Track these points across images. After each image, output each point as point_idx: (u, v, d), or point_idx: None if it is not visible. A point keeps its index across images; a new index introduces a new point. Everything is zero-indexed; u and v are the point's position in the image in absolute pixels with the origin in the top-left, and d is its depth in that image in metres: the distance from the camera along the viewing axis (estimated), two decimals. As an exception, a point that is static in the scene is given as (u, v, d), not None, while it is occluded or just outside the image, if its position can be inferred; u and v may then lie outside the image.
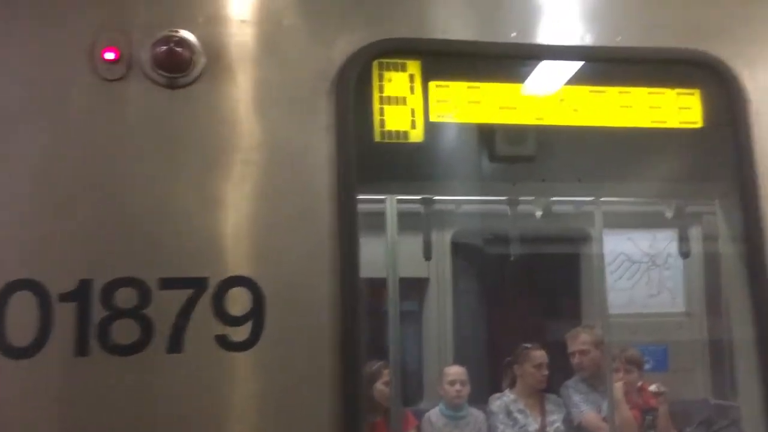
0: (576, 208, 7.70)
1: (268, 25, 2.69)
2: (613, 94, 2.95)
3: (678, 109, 2.97)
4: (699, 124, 2.99)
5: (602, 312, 7.13)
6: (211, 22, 2.64)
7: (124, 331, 2.43)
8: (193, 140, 2.58)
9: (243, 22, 2.67)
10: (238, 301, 2.50)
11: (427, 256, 6.73)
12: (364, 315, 2.56)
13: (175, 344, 2.44)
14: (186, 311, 2.46)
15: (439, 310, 7.55)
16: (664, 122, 2.97)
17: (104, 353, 2.41)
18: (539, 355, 6.83)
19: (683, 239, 6.07)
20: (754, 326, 2.78)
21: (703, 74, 2.96)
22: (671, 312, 7.79)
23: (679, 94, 2.98)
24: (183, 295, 2.47)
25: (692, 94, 2.99)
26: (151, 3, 2.63)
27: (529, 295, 8.40)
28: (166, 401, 2.44)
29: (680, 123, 2.97)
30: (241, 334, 2.49)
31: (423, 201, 6.72)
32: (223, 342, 2.48)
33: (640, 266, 7.91)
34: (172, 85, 2.58)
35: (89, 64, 2.55)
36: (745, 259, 2.83)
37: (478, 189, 3.66)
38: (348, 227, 2.59)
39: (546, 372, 6.79)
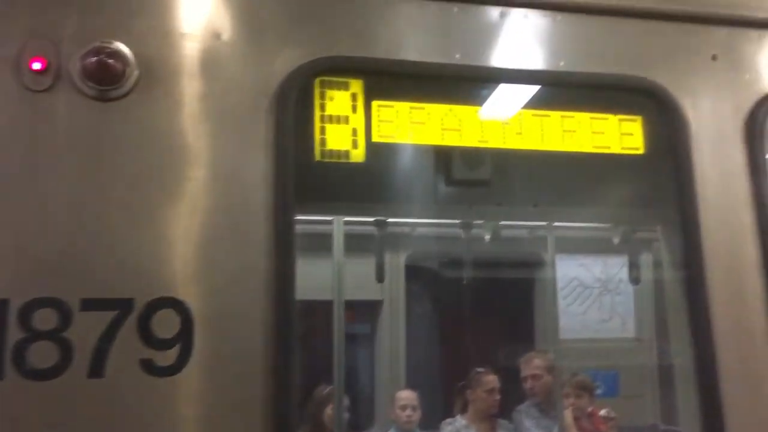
0: (530, 233, 7.76)
1: (207, 39, 2.61)
2: (556, 118, 2.94)
3: (620, 135, 2.97)
4: (641, 151, 2.99)
5: (554, 337, 7.17)
6: (147, 35, 2.56)
7: (42, 355, 2.29)
8: (124, 155, 2.48)
9: (181, 35, 2.60)
10: (166, 324, 2.39)
11: (380, 278, 6.70)
12: (298, 339, 2.48)
13: (97, 369, 2.32)
14: (109, 334, 2.35)
15: (392, 333, 7.48)
16: (607, 147, 2.96)
17: (20, 377, 2.27)
18: (491, 379, 6.80)
19: (633, 265, 6.13)
20: (693, 353, 2.77)
21: (646, 101, 2.97)
22: (622, 337, 7.84)
23: (621, 120, 2.98)
24: (106, 316, 2.36)
25: (635, 120, 3.00)
26: (84, 13, 2.53)
27: (482, 319, 8.38)
28: (85, 429, 2.31)
29: (622, 149, 2.97)
30: (167, 358, 2.38)
31: (376, 223, 6.70)
32: (148, 366, 2.36)
33: (592, 291, 7.96)
34: (102, 98, 2.48)
35: (15, 73, 2.44)
36: (685, 285, 2.83)
37: (424, 211, 3.62)
38: (284, 247, 2.51)
39: (498, 397, 6.76)
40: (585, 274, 8.00)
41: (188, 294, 2.42)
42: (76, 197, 2.44)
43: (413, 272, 7.73)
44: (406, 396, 6.61)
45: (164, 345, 2.39)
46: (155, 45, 2.56)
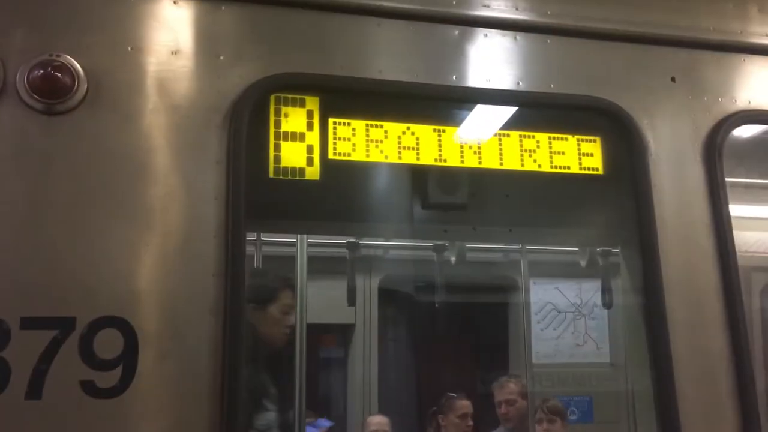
0: (504, 257, 7.75)
1: (159, 53, 2.57)
2: (515, 138, 2.92)
3: (579, 155, 2.96)
4: (600, 171, 2.98)
5: (528, 361, 7.12)
6: (97, 49, 2.51)
7: (-23, 375, 2.21)
8: (69, 169, 2.42)
9: (132, 49, 2.55)
10: (108, 344, 2.31)
11: (351, 301, 6.63)
12: (246, 361, 2.41)
13: (35, 390, 2.23)
14: (48, 354, 2.27)
15: (365, 357, 7.40)
16: (567, 168, 2.95)
17: (-47, 398, 2.19)
18: (464, 404, 6.75)
19: (606, 290, 6.12)
20: (652, 377, 2.73)
21: (605, 122, 2.96)
22: (596, 362, 7.81)
23: (580, 140, 2.97)
24: (46, 336, 2.28)
25: (594, 141, 2.99)
26: (32, 26, 2.48)
27: (456, 343, 8.34)
28: (21, 452, 2.22)
29: (581, 169, 2.95)
30: (109, 379, 2.30)
31: (348, 245, 6.65)
32: (89, 388, 2.28)
33: (566, 316, 7.95)
34: (49, 111, 2.43)
35: (-41, 86, 2.38)
36: (644, 308, 2.80)
37: (379, 231, 3.58)
38: (235, 266, 2.45)
39: (471, 423, 6.69)
40: (559, 298, 7.99)
41: (133, 313, 2.35)
42: (19, 212, 2.37)
43: (386, 296, 7.69)
44: (378, 421, 6.52)
45: (106, 365, 2.31)
46: (105, 59, 2.51)
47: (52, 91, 2.41)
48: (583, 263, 4.68)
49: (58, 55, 2.45)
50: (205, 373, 2.37)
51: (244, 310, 2.43)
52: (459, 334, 8.33)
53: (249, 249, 6.09)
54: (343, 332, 7.62)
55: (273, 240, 5.73)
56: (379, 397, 7.41)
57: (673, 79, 3.04)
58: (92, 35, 2.52)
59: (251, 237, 6.19)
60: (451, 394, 6.84)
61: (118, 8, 2.57)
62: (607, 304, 6.16)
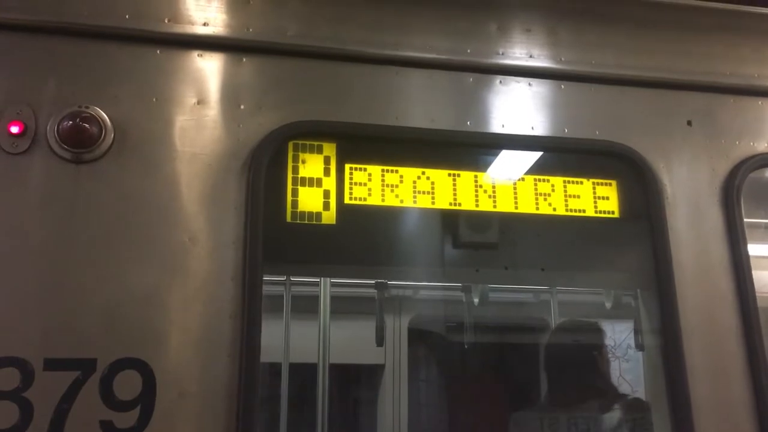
0: (536, 298, 7.68)
1: (180, 103, 2.68)
2: (530, 181, 2.95)
3: (595, 198, 2.97)
4: (616, 215, 2.98)
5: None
6: (122, 100, 2.64)
7: (2, 415, 2.29)
8: (96, 216, 2.53)
9: (156, 99, 2.67)
10: (128, 385, 2.38)
11: (379, 342, 6.64)
12: (260, 403, 2.45)
13: (56, 429, 2.31)
14: (70, 394, 2.34)
15: (394, 397, 7.35)
16: (582, 211, 2.96)
17: (-23, 438, 2.27)
18: (496, 447, 6.64)
19: (638, 331, 6.01)
20: (671, 424, 2.69)
21: (621, 165, 2.97)
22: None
23: (596, 183, 2.98)
24: (69, 377, 2.36)
25: (609, 184, 3.00)
26: (62, 78, 2.63)
27: (488, 384, 8.23)
28: (42, 491, 2.29)
29: (597, 212, 2.96)
30: (128, 420, 2.36)
31: (377, 285, 6.69)
32: (109, 428, 2.34)
33: (600, 357, 7.78)
34: (77, 160, 2.55)
35: (-7, 136, 2.52)
36: (662, 352, 2.77)
37: (395, 274, 3.61)
38: (251, 309, 2.51)
39: (503, 465, 6.58)
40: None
41: (151, 355, 2.42)
42: (46, 256, 2.47)
43: (416, 336, 7.66)
44: None
45: (125, 406, 2.37)
46: (131, 110, 2.63)
47: (80, 141, 2.54)
48: (608, 305, 4.63)
49: (86, 107, 2.58)
50: (221, 414, 2.42)
51: (259, 351, 2.47)
52: (490, 375, 8.22)
53: (278, 289, 6.22)
54: (372, 373, 7.59)
55: (301, 281, 5.80)
56: (410, 436, 7.33)
57: (689, 123, 3.05)
58: (119, 87, 2.65)
59: (281, 278, 6.29)
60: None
61: (144, 61, 2.70)
62: (641, 346, 6.05)
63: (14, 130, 2.52)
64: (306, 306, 6.02)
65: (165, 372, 2.42)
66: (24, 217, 2.49)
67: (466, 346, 6.98)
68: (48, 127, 2.54)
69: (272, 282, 6.26)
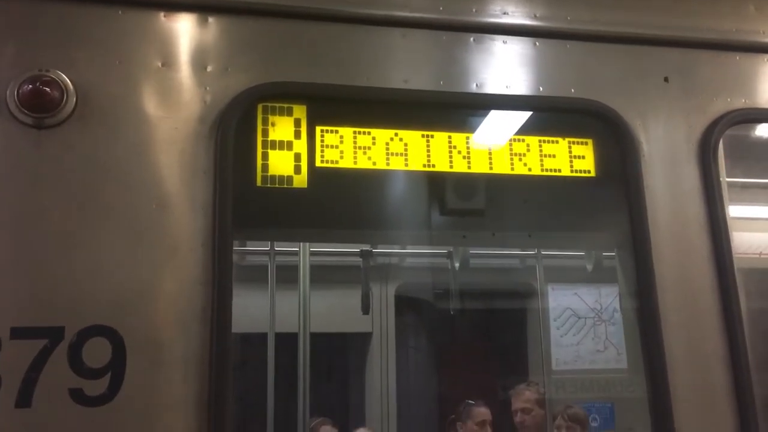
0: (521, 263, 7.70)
1: (145, 66, 2.62)
2: (505, 142, 2.90)
3: (571, 158, 2.93)
4: (592, 173, 2.95)
5: (546, 368, 7.05)
6: (84, 62, 2.57)
7: (-31, 384, 2.27)
8: (59, 182, 2.47)
9: (119, 62, 2.60)
10: (97, 353, 2.35)
11: (365, 309, 6.66)
12: (233, 370, 2.42)
13: (25, 398, 2.28)
14: (38, 363, 2.31)
15: (382, 365, 7.40)
16: (558, 171, 2.92)
17: (-56, 408, 2.24)
18: (482, 412, 6.70)
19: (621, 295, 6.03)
20: (646, 380, 2.69)
21: (596, 124, 2.93)
22: (617, 368, 7.68)
23: (571, 143, 2.94)
24: (36, 345, 2.32)
25: (585, 143, 2.96)
26: (21, 41, 2.55)
27: (475, 349, 8.28)
28: (12, 459, 2.27)
29: (573, 172, 2.92)
30: (98, 387, 2.33)
31: (362, 254, 6.68)
32: (78, 396, 2.32)
33: (586, 321, 7.83)
34: (38, 125, 2.49)
35: (-49, 103, 2.45)
36: (638, 311, 2.76)
37: (372, 237, 3.58)
38: (222, 275, 2.47)
39: (489, 430, 6.64)
40: (579, 303, 7.89)
41: (121, 322, 2.39)
42: (9, 224, 2.42)
43: (403, 303, 7.68)
44: None
45: (95, 374, 2.34)
46: (93, 73, 2.56)
47: (41, 106, 2.47)
48: (589, 267, 4.63)
49: (47, 70, 2.51)
50: (192, 381, 2.39)
51: (230, 317, 2.44)
52: (477, 341, 8.28)
53: (263, 259, 6.20)
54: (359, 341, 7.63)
55: (285, 249, 5.79)
56: (398, 404, 7.39)
57: (666, 80, 3.01)
58: (81, 49, 2.58)
59: (265, 248, 6.28)
60: (470, 401, 6.80)
61: (106, 22, 2.63)
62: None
63: (-28, 95, 2.45)
64: (293, 276, 6.01)
65: (135, 339, 2.38)
66: (-14, 185, 2.44)
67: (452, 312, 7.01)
68: (8, 92, 2.47)
69: (257, 252, 6.24)
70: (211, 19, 2.72)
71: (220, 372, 2.39)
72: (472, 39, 2.92)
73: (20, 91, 2.47)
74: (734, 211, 2.97)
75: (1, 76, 2.50)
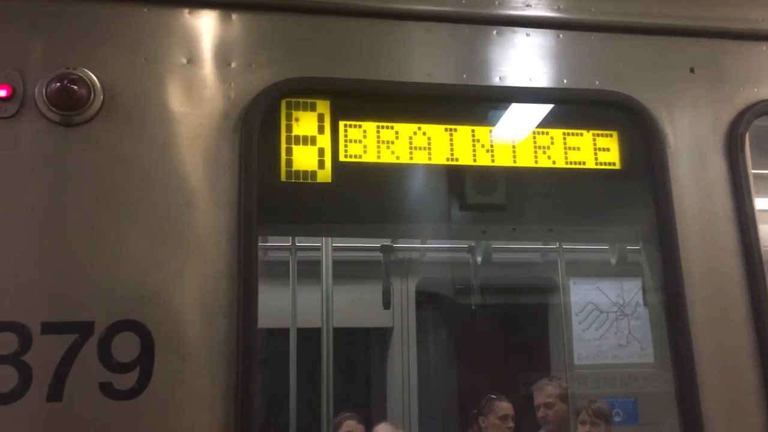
0: (543, 258, 7.66)
1: (170, 63, 2.63)
2: (528, 135, 2.89)
3: (596, 150, 2.91)
4: (617, 166, 2.93)
5: (569, 363, 7.02)
6: (111, 60, 2.59)
7: (1, 379, 2.29)
8: (87, 179, 2.50)
9: (145, 60, 2.63)
10: (126, 347, 2.38)
11: (386, 305, 6.66)
12: (258, 363, 2.44)
13: (56, 392, 2.31)
14: (68, 357, 2.34)
15: (403, 360, 7.40)
16: (583, 163, 2.90)
17: (-22, 401, 2.28)
18: (505, 406, 6.69)
19: (646, 288, 5.98)
20: (674, 375, 2.67)
21: (621, 116, 2.91)
22: (641, 363, 7.63)
23: (596, 135, 2.92)
24: (66, 340, 2.36)
25: (610, 135, 2.94)
26: (49, 40, 2.58)
27: (496, 344, 8.26)
28: (44, 453, 2.30)
29: (597, 164, 2.90)
30: (127, 381, 2.36)
31: (382, 249, 6.69)
32: (108, 390, 2.35)
33: (608, 316, 7.78)
34: (67, 123, 2.52)
35: (-19, 101, 2.49)
36: (665, 304, 2.74)
37: (394, 232, 3.58)
38: (247, 269, 2.49)
39: (511, 424, 6.62)
40: (601, 298, 7.83)
41: (148, 317, 2.41)
42: (39, 220, 2.46)
43: (424, 298, 7.68)
44: (384, 430, 6.48)
45: (124, 368, 2.37)
46: (120, 70, 2.59)
47: (69, 104, 2.50)
48: (613, 261, 4.59)
49: (74, 68, 2.54)
50: (219, 374, 2.41)
51: (256, 311, 2.46)
52: (498, 336, 8.25)
53: (284, 255, 6.22)
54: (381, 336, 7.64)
55: (305, 245, 5.81)
56: (419, 399, 7.39)
57: (692, 70, 2.98)
58: (107, 47, 2.61)
59: (286, 243, 6.30)
60: (492, 395, 6.79)
61: (131, 20, 2.65)
62: (648, 303, 6.02)
63: (2, 93, 2.49)
64: (314, 271, 6.02)
65: (163, 334, 2.41)
66: (16, 182, 2.47)
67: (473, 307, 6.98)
68: (36, 90, 2.51)
69: (278, 248, 6.26)
70: (234, 16, 2.73)
71: (247, 366, 2.41)
72: (494, 32, 2.91)
73: (48, 89, 2.50)
74: (760, 203, 2.93)
75: (30, 74, 2.53)
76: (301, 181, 2.72)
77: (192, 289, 2.48)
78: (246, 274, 2.48)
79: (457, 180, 2.92)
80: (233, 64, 2.68)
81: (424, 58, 2.84)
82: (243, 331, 2.43)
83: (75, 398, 2.32)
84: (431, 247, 7.23)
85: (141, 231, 2.50)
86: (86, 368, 2.35)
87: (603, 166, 2.90)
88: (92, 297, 2.41)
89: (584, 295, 7.73)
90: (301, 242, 6.28)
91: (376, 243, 6.62)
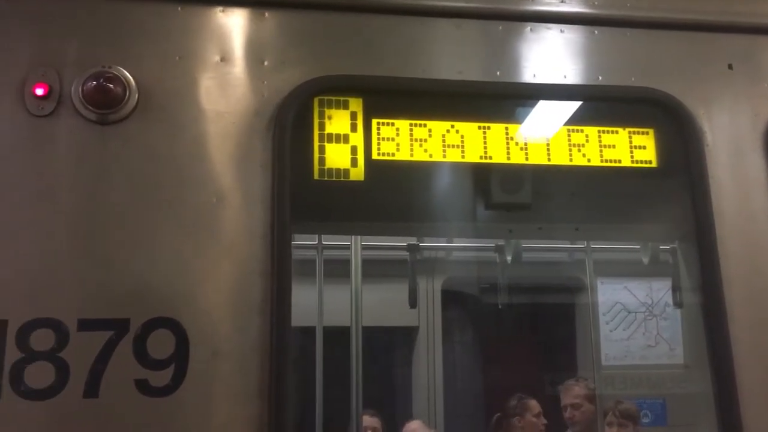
0: (570, 257, 7.58)
1: (204, 61, 2.64)
2: (563, 132, 2.86)
3: (632, 148, 2.87)
4: (653, 164, 2.88)
5: (596, 363, 6.95)
6: (146, 59, 2.61)
7: (39, 375, 2.32)
8: (123, 177, 2.52)
9: (179, 58, 2.64)
10: (161, 344, 2.39)
11: (413, 304, 6.63)
12: (292, 361, 2.44)
13: (92, 389, 2.33)
14: (105, 354, 2.36)
15: (429, 359, 7.37)
16: (618, 161, 2.86)
17: (16, 397, 2.30)
18: (535, 404, 6.65)
19: (677, 288, 5.89)
20: (712, 377, 2.62)
21: (658, 113, 2.86)
22: (670, 364, 7.53)
23: (632, 133, 2.88)
24: (103, 336, 2.37)
25: (646, 133, 2.90)
26: (85, 39, 2.60)
27: (523, 344, 8.21)
28: (80, 448, 2.32)
29: (633, 162, 2.86)
30: (162, 378, 2.37)
31: (409, 248, 6.66)
32: (144, 386, 2.36)
33: (636, 316, 7.69)
34: (102, 121, 2.53)
35: (19, 99, 2.51)
36: (702, 304, 2.69)
37: (426, 230, 3.56)
38: (281, 267, 2.49)
39: (545, 420, 6.59)
40: (629, 297, 7.75)
41: (183, 314, 2.42)
42: (76, 219, 2.48)
43: (450, 297, 7.64)
44: (413, 429, 6.46)
45: (160, 365, 2.39)
46: (154, 69, 2.60)
47: (105, 102, 2.52)
48: (645, 260, 4.53)
49: (110, 67, 2.56)
50: (253, 371, 2.42)
51: (289, 309, 2.46)
52: (524, 336, 8.20)
53: (311, 253, 6.23)
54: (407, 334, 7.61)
55: (333, 244, 5.80)
56: (445, 398, 7.36)
57: (730, 67, 2.92)
58: (142, 46, 2.62)
59: (312, 242, 6.30)
60: (521, 395, 6.76)
61: (166, 18, 2.67)
62: (679, 304, 5.94)
63: (39, 92, 2.51)
64: (339, 270, 6.01)
65: (197, 331, 2.42)
66: (52, 180, 2.50)
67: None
68: (72, 89, 2.53)
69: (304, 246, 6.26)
70: (267, 14, 2.73)
71: (280, 363, 2.41)
72: (528, 29, 2.88)
73: (84, 88, 2.52)
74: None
75: (66, 72, 2.55)
76: (334, 179, 2.71)
77: (226, 287, 2.49)
78: (279, 272, 2.48)
79: (483, 179, 2.90)
80: (266, 62, 2.68)
81: (455, 56, 2.82)
82: (276, 328, 2.43)
83: (111, 395, 2.34)
84: (457, 246, 7.19)
85: (175, 229, 2.51)
86: (122, 365, 2.36)
87: (639, 164, 2.86)
88: (127, 294, 2.42)
89: (612, 295, 7.65)
90: (327, 240, 6.27)
91: (402, 242, 6.60)
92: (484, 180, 2.95)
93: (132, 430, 2.35)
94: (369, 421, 5.98)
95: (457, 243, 7.08)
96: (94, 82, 2.51)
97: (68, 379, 2.33)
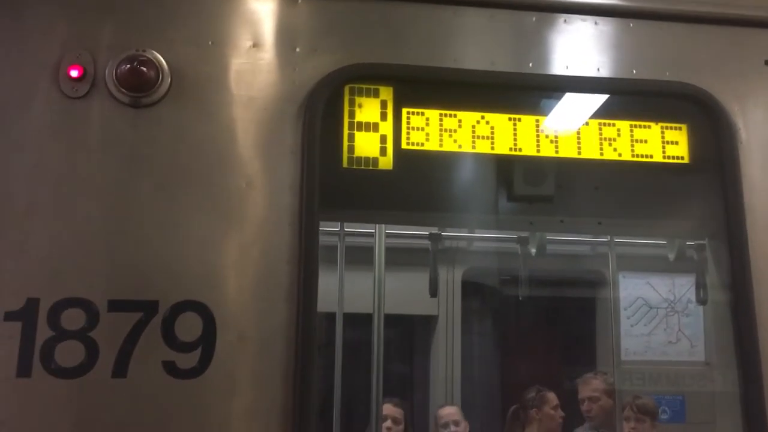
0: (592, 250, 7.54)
1: (236, 46, 2.65)
2: (594, 126, 2.83)
3: (663, 143, 2.84)
4: (686, 160, 2.85)
5: (616, 358, 6.91)
6: (179, 43, 2.62)
7: (69, 353, 2.35)
8: (154, 160, 2.54)
9: (212, 43, 2.64)
10: (189, 327, 2.42)
11: (433, 293, 6.63)
12: (317, 346, 2.46)
13: (121, 369, 2.36)
14: (134, 335, 2.39)
15: (447, 349, 7.38)
16: (650, 156, 2.83)
17: (47, 375, 2.34)
18: (553, 396, 6.65)
19: (700, 285, 5.83)
20: (739, 378, 2.60)
21: (691, 108, 2.83)
22: (690, 361, 7.47)
23: (665, 128, 2.85)
24: (132, 318, 2.40)
25: (679, 128, 2.86)
26: (119, 23, 2.62)
27: (542, 337, 8.20)
28: (107, 426, 2.35)
29: (665, 158, 2.83)
30: (189, 360, 2.40)
31: (430, 237, 6.65)
32: (171, 368, 2.39)
33: (658, 312, 7.63)
34: (135, 104, 2.55)
35: (53, 81, 2.54)
36: (731, 303, 2.66)
37: (455, 221, 3.55)
38: (308, 254, 2.50)
39: (562, 413, 6.59)
40: (651, 293, 7.69)
41: (211, 298, 2.45)
42: (108, 200, 2.50)
43: (470, 288, 7.64)
44: (448, 412, 6.47)
45: (187, 347, 2.41)
46: (187, 53, 2.61)
47: (138, 85, 2.53)
48: (671, 256, 4.48)
49: (144, 50, 2.57)
50: (279, 356, 2.44)
51: (316, 295, 2.47)
52: (544, 329, 8.18)
53: (333, 240, 6.25)
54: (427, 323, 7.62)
55: (356, 231, 5.81)
56: (462, 388, 7.37)
57: (766, 63, 2.88)
58: (175, 30, 2.63)
59: (335, 228, 6.32)
60: (539, 387, 6.76)
61: (199, 3, 2.68)
62: (702, 300, 5.89)
63: (74, 74, 2.53)
64: (361, 257, 6.02)
65: (224, 315, 2.44)
66: (85, 161, 2.52)
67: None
68: (107, 71, 2.55)
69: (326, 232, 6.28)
70: (300, 0, 2.73)
71: (306, 348, 2.43)
72: (562, 20, 2.85)
73: (118, 71, 2.54)
74: None
75: (101, 55, 2.57)
76: (363, 167, 2.71)
77: (253, 272, 2.51)
78: (307, 258, 2.49)
79: (506, 170, 2.88)
80: (298, 49, 2.68)
81: (487, 46, 2.80)
82: (303, 314, 2.45)
83: (139, 375, 2.37)
84: (479, 237, 7.17)
85: (204, 212, 2.53)
86: (150, 346, 2.39)
87: (671, 160, 2.83)
88: (157, 276, 2.45)
89: (634, 290, 7.59)
90: (349, 228, 6.29)
91: (424, 231, 6.59)
92: (508, 171, 2.94)
93: (159, 411, 2.38)
94: (392, 410, 5.98)
95: (479, 233, 7.05)
96: (128, 65, 2.53)
97: (97, 359, 2.36)
